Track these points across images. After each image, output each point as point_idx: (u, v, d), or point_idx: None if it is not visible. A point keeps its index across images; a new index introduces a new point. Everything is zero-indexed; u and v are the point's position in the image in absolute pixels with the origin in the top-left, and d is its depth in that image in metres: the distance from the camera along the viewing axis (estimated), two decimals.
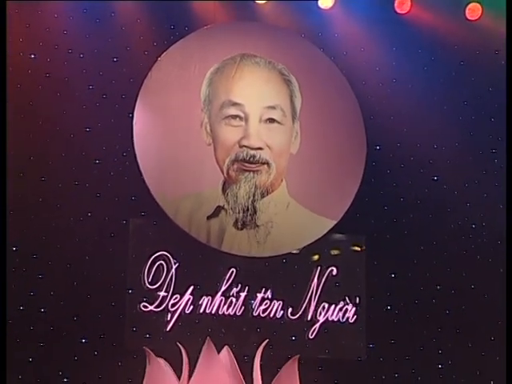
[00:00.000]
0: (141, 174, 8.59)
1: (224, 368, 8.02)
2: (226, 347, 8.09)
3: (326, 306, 8.82)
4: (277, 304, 8.76)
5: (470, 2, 9.10)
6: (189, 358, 8.08)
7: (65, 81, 8.55)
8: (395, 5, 9.10)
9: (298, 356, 8.13)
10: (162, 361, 8.02)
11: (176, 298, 8.54)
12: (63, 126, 8.50)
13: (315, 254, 9.03)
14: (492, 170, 9.19)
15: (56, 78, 8.55)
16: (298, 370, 8.16)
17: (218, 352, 8.04)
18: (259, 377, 8.06)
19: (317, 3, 9.01)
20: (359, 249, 9.07)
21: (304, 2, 9.04)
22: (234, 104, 8.83)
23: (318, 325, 8.79)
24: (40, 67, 8.54)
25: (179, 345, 8.09)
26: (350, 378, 8.92)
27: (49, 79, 8.52)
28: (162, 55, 8.81)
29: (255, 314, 8.71)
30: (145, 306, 8.48)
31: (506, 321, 6.91)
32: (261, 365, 8.11)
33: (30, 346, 8.12)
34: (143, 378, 8.01)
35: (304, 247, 8.96)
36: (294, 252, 8.97)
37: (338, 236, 9.08)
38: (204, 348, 7.97)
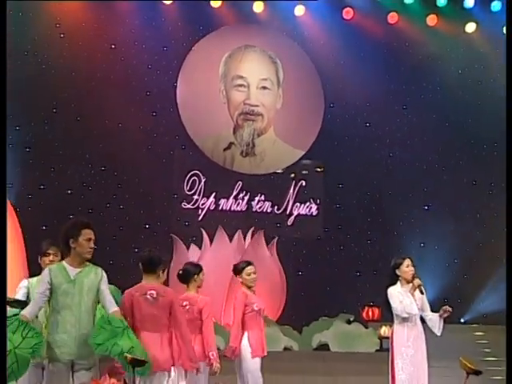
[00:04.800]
0: (181, 121, 10.94)
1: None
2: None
3: (299, 204, 11.24)
4: (267, 204, 11.11)
5: (390, 11, 11.28)
6: (210, 239, 10.69)
7: (133, 63, 10.80)
8: (343, 13, 11.34)
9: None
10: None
11: (204, 199, 10.91)
12: (132, 91, 10.72)
13: (291, 173, 11.33)
14: (407, 119, 11.45)
15: (127, 61, 10.81)
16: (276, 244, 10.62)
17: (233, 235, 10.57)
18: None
19: (293, 12, 11.27)
20: (319, 169, 11.34)
21: (285, 11, 11.24)
22: (240, 77, 11.21)
23: (293, 217, 11.18)
24: (117, 54, 10.82)
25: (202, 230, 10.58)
26: (313, 250, 11.12)
27: (123, 62, 10.82)
28: (195, 46, 11.08)
29: (254, 210, 11.05)
30: (184, 205, 10.88)
31: (507, 321, 6.87)
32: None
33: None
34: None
35: (284, 168, 11.32)
36: (279, 171, 11.26)
37: (306, 161, 11.36)
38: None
